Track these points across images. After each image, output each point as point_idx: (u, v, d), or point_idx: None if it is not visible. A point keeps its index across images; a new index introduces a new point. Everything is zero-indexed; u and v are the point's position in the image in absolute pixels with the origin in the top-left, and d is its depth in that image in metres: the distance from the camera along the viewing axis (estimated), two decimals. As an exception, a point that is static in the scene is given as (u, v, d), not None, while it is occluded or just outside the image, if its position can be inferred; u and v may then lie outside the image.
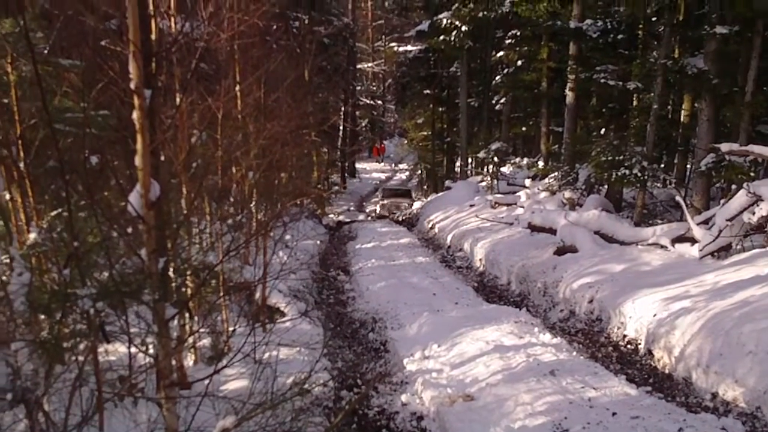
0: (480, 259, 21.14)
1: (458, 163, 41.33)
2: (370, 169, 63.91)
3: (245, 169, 12.72)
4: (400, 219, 35.98)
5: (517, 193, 26.98)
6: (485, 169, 33.91)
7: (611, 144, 18.71)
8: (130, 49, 4.61)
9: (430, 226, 30.28)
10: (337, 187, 46.04)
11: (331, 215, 36.16)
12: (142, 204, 4.68)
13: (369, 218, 36.89)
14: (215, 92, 11.16)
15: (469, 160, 39.28)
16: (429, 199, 37.81)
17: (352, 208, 41.04)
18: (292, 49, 22.27)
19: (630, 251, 15.41)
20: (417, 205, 38.03)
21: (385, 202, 38.27)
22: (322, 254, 23.85)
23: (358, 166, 61.40)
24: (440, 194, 36.41)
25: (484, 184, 32.84)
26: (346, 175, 52.36)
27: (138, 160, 4.68)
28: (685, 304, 11.22)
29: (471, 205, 28.94)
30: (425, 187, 46.79)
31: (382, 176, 59.59)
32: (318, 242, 24.28)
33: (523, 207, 24.24)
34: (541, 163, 30.72)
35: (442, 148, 45.37)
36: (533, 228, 20.32)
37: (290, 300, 14.29)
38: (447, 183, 38.17)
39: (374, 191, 43.21)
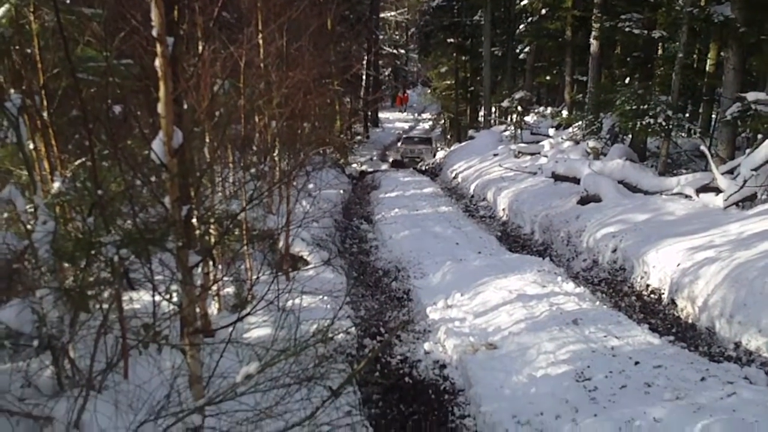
0: (503, 209, 21.09)
1: (481, 113, 40.99)
2: (393, 119, 63.54)
3: (268, 117, 12.68)
4: (424, 168, 35.85)
5: (541, 143, 26.80)
6: (509, 119, 33.63)
7: (636, 93, 18.47)
8: (152, -4, 4.55)
9: (453, 175, 30.20)
10: (359, 137, 45.80)
11: (354, 165, 36.02)
12: (165, 152, 4.65)
13: (392, 168, 36.73)
14: (238, 41, 11.08)
15: (493, 109, 38.99)
16: (452, 148, 37.61)
17: (374, 158, 40.84)
18: (314, -2, 22.08)
19: (654, 201, 15.29)
20: (440, 154, 37.84)
21: (404, 147, 38.07)
22: (345, 203, 23.86)
23: (381, 115, 61.06)
24: (463, 144, 36.23)
25: (507, 133, 32.59)
26: (368, 124, 52.01)
27: (161, 108, 4.64)
28: (709, 254, 11.15)
29: (494, 155, 28.81)
30: (449, 136, 46.51)
31: (405, 126, 59.17)
32: (341, 191, 24.27)
33: (546, 156, 24.10)
34: (565, 113, 30.44)
35: (466, 97, 45.04)
36: (557, 177, 20.23)
37: (313, 248, 14.33)
38: (470, 132, 37.97)
39: (397, 141, 43.09)
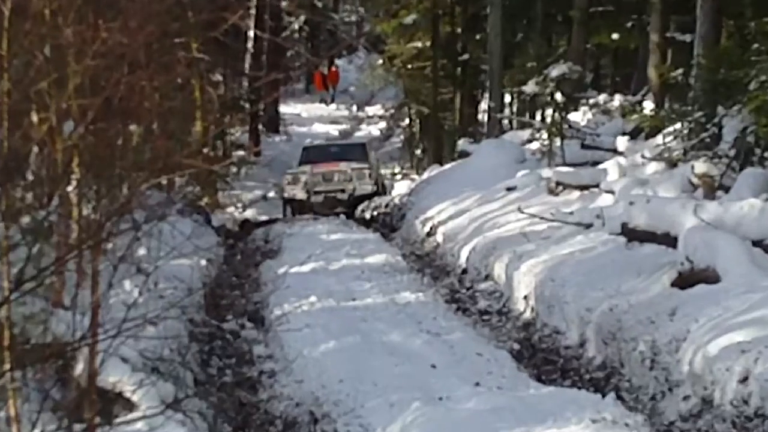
0: (525, 296, 21.20)
1: (484, 105, 41.39)
2: (310, 117, 63.72)
3: (57, 116, 12.73)
4: (368, 216, 35.84)
5: (601, 166, 27.08)
6: (537, 117, 33.97)
7: (786, 68, 18.82)
8: None
9: (427, 229, 30.41)
10: (242, 153, 46.01)
11: (231, 208, 36.21)
12: None
13: (294, 216, 36.30)
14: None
15: (507, 98, 39.35)
16: (426, 175, 37.88)
17: (271, 194, 41.04)
18: None
19: (823, 281, 15.50)
20: (402, 186, 38.07)
21: (310, 174, 37.20)
22: (210, 285, 23.85)
23: (284, 110, 61.17)
24: (449, 166, 36.54)
25: (534, 146, 32.87)
26: (260, 128, 52.15)
27: None
28: None
29: (509, 189, 29.05)
30: (419, 152, 46.85)
31: (333, 131, 59.41)
32: (203, 262, 24.28)
33: (612, 193, 24.35)
34: (648, 106, 30.80)
35: (454, 75, 45.29)
36: (631, 234, 20.43)
37: (145, 378, 14.31)
38: (462, 144, 38.21)
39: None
